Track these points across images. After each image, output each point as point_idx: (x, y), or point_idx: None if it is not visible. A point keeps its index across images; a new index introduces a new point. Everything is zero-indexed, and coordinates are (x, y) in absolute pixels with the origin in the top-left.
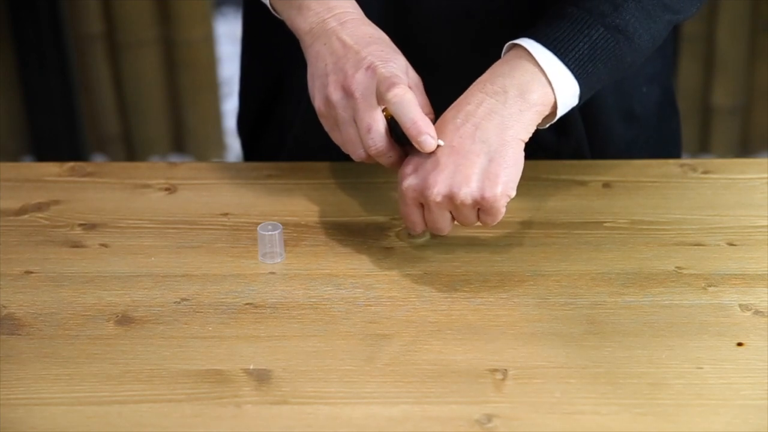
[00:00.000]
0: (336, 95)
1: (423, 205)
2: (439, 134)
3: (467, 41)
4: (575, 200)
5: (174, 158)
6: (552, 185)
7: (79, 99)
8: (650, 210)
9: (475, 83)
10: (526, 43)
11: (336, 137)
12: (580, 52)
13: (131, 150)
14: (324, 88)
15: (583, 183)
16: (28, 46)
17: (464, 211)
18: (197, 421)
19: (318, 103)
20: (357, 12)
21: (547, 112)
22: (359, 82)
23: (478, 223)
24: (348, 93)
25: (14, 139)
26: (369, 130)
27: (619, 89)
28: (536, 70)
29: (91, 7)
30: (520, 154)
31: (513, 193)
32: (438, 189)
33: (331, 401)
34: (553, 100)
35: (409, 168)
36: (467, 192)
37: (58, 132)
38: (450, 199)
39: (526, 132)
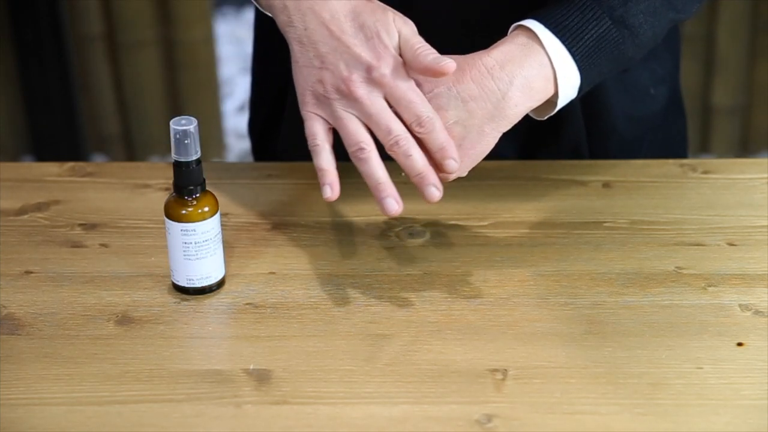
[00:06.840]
0: (334, 95)
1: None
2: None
3: (470, 27)
4: (575, 200)
5: None
6: (552, 185)
7: (79, 99)
8: (650, 210)
9: (482, 58)
10: (536, 27)
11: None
12: (587, 43)
13: (131, 150)
14: (316, 84)
15: (583, 183)
16: (28, 46)
17: None
18: (197, 421)
19: (309, 98)
20: None
21: (537, 105)
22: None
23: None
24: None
25: (14, 139)
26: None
27: (626, 89)
28: (546, 61)
29: (91, 7)
30: (492, 144)
31: (464, 175)
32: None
33: (331, 401)
34: (552, 93)
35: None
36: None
37: (58, 132)
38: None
39: (509, 126)
